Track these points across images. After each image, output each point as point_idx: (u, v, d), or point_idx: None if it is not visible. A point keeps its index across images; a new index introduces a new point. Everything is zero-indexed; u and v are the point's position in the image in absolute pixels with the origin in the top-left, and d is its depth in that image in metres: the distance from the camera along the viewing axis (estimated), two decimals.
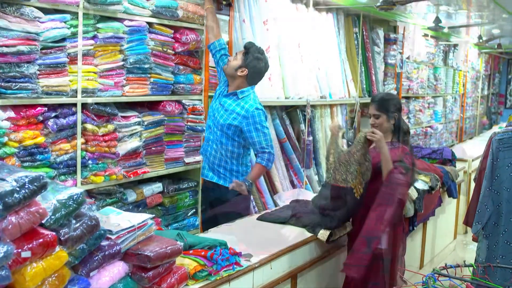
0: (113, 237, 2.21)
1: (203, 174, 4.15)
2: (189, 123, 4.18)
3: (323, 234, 3.40)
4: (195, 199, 4.35)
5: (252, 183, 3.97)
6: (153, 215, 2.51)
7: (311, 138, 5.78)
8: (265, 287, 2.94)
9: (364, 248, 3.19)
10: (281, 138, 5.48)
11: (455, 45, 11.28)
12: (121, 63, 3.62)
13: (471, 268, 2.77)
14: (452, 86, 11.50)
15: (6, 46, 2.88)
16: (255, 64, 3.91)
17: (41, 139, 3.13)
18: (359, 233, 3.37)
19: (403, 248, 3.72)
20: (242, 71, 3.92)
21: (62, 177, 3.31)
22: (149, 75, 3.83)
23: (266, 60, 4.00)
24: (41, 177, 1.86)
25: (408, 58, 8.63)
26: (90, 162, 3.47)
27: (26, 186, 1.79)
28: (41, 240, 1.83)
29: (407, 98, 9.08)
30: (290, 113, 5.70)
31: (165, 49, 3.93)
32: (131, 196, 3.79)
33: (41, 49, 3.08)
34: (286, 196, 4.98)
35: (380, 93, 3.68)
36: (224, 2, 4.67)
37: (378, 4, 5.18)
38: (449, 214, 6.38)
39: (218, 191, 4.02)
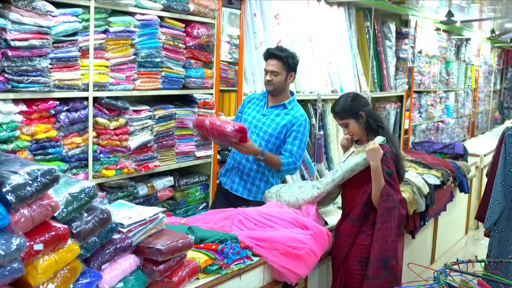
0: (124, 230, 2.22)
1: (232, 189, 3.85)
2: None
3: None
4: (206, 193, 4.36)
5: (262, 157, 3.64)
6: (164, 209, 2.52)
7: (322, 132, 5.75)
8: (276, 282, 2.94)
9: (381, 272, 3.07)
10: None
11: (468, 39, 11.19)
12: (133, 57, 3.63)
13: (482, 264, 2.76)
14: (464, 80, 11.42)
15: (19, 40, 2.89)
16: (295, 62, 3.83)
17: (53, 133, 3.14)
18: (344, 242, 3.26)
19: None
20: (291, 76, 3.84)
21: (74, 171, 3.33)
22: (160, 69, 3.83)
23: (290, 51, 3.86)
24: (53, 170, 1.86)
25: (420, 52, 8.58)
26: (101, 155, 3.48)
27: (38, 179, 1.80)
28: (53, 233, 1.84)
29: (419, 92, 9.03)
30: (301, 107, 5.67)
31: (176, 43, 3.93)
32: (142, 189, 3.80)
33: (53, 43, 3.09)
34: None
35: (336, 101, 3.44)
36: None
37: None
38: (460, 209, 6.35)
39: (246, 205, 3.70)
